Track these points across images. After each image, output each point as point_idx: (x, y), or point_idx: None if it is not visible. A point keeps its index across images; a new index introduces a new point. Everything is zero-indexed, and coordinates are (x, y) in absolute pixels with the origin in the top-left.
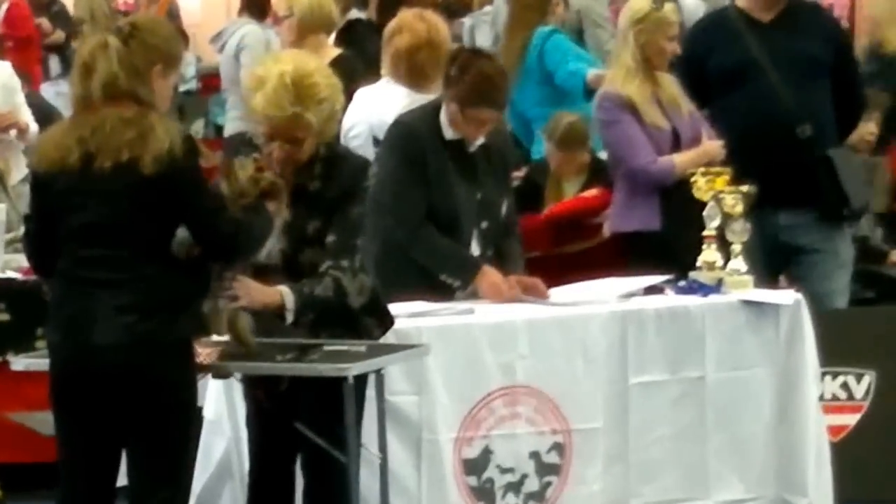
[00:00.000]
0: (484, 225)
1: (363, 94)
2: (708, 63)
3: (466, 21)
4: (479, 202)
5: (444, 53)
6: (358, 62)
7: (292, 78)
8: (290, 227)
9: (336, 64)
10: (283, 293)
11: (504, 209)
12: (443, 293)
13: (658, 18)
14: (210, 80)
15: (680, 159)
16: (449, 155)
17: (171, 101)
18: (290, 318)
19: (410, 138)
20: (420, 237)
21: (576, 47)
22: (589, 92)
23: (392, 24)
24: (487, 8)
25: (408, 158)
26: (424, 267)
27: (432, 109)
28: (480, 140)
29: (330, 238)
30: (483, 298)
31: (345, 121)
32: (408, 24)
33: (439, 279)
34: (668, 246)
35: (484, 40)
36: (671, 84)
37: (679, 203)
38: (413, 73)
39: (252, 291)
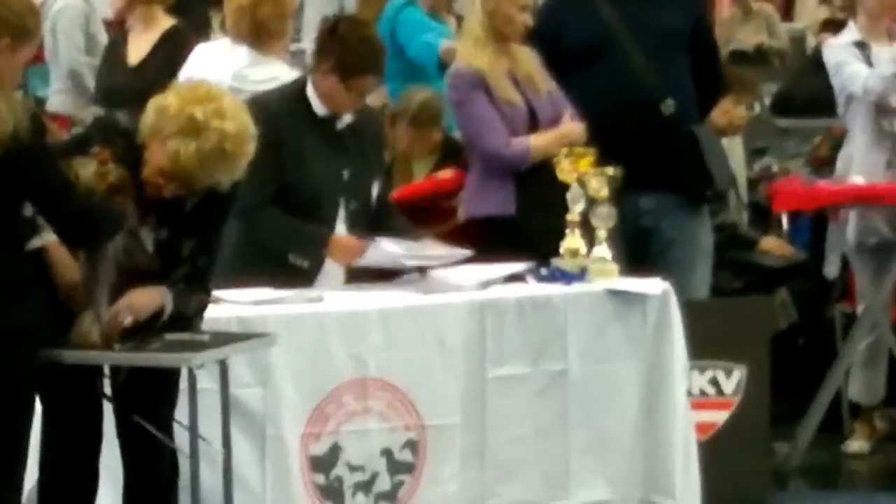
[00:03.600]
0: (352, 205)
1: (202, 51)
2: (562, 38)
3: None
4: (347, 181)
5: (289, 10)
6: (189, 32)
7: (232, 146)
8: (164, 246)
9: (168, 38)
10: (166, 298)
11: (375, 189)
12: (299, 280)
13: None
14: None
15: (536, 141)
16: (317, 133)
17: (18, 79)
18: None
19: (264, 118)
20: (263, 219)
21: (430, 19)
22: (443, 66)
23: None
24: None
25: (260, 139)
26: (274, 251)
27: (297, 87)
28: (349, 118)
29: (202, 261)
30: (339, 263)
31: (181, 78)
32: None
33: (290, 264)
34: (524, 232)
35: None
36: (528, 59)
37: (537, 186)
38: (255, 29)
39: (136, 302)
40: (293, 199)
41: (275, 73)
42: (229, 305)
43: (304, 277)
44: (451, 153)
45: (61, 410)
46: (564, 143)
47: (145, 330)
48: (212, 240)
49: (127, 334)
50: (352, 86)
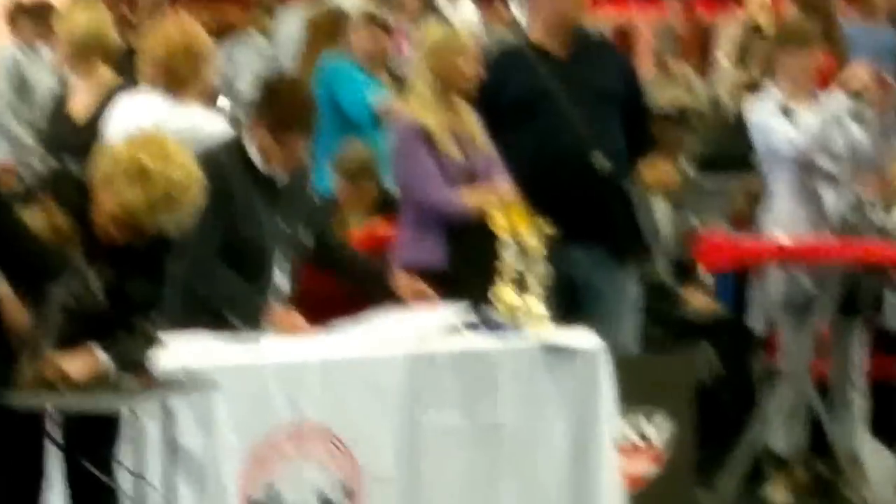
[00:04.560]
0: (292, 259)
1: (123, 101)
2: (502, 93)
3: (229, 46)
4: (286, 233)
5: (203, 58)
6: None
7: (178, 191)
8: (114, 288)
9: (114, 95)
10: (100, 359)
11: (309, 240)
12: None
13: (450, 41)
14: None
15: (472, 196)
16: (258, 188)
17: None
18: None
19: (211, 170)
20: (208, 273)
21: (362, 74)
22: (377, 121)
23: (149, 32)
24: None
25: (208, 190)
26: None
27: (235, 142)
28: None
29: (148, 298)
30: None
31: (107, 132)
32: (163, 30)
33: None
34: (455, 283)
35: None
36: (469, 116)
37: (469, 239)
38: (169, 78)
39: (67, 368)
40: (240, 254)
41: (193, 121)
42: (173, 352)
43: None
44: (386, 206)
45: (5, 451)
46: (497, 199)
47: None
48: (159, 281)
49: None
50: (284, 143)
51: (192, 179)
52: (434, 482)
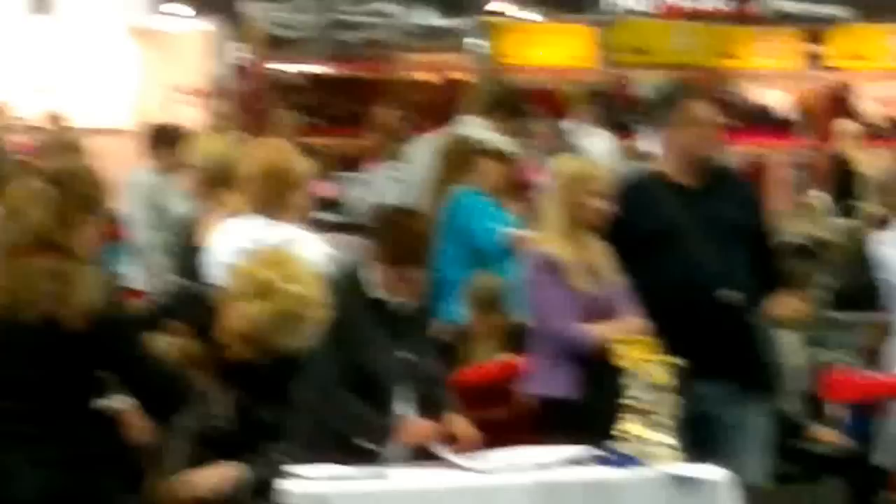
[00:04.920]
0: (410, 384)
1: (227, 223)
2: (634, 227)
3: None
4: (406, 361)
5: (295, 184)
6: None
7: (300, 308)
8: (244, 411)
9: None
10: (242, 473)
11: (432, 367)
12: (365, 459)
13: (583, 175)
14: (107, 227)
15: (602, 329)
16: (375, 314)
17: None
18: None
19: (334, 296)
20: (332, 401)
21: (494, 208)
22: (506, 252)
23: (245, 155)
24: (397, 164)
25: (332, 317)
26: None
27: (354, 270)
28: (401, 301)
29: (276, 421)
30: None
31: (207, 256)
32: (253, 154)
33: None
34: (588, 415)
35: (391, 195)
36: (599, 249)
37: (601, 371)
38: (265, 201)
39: (199, 480)
40: (358, 380)
41: (289, 234)
42: (300, 480)
43: (369, 457)
44: (514, 336)
45: None
46: (627, 332)
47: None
48: (286, 406)
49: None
50: (398, 274)
51: (315, 296)
52: None
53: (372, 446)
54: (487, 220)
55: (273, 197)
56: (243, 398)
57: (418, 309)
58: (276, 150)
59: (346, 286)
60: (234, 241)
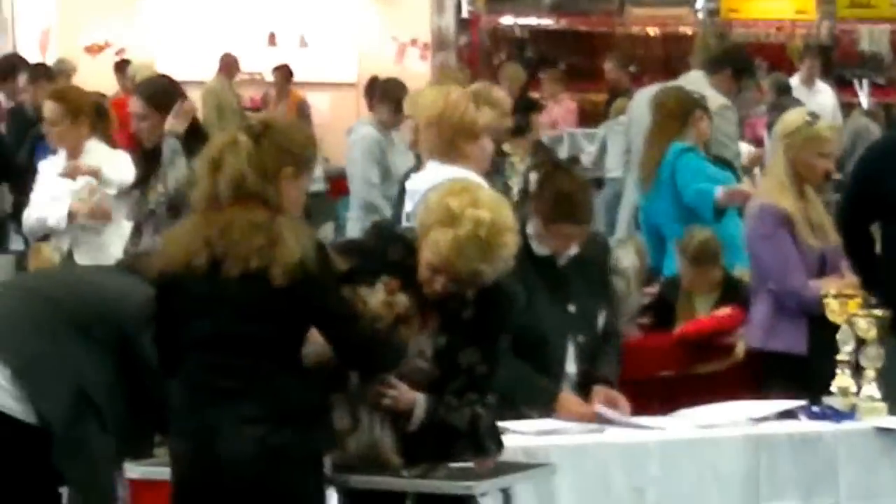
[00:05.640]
0: (580, 339)
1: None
2: (881, 184)
3: (600, 130)
4: (573, 316)
5: (472, 130)
6: None
7: (487, 233)
8: (443, 354)
9: None
10: (418, 401)
11: (602, 320)
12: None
13: (810, 133)
14: (338, 182)
15: (827, 287)
16: (537, 270)
17: (302, 206)
18: (412, 426)
19: None
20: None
21: (708, 166)
22: (718, 212)
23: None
24: (622, 118)
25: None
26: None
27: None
28: (572, 251)
29: (480, 370)
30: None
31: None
32: (433, 97)
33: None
34: (810, 370)
35: (616, 149)
36: (820, 206)
37: (822, 327)
38: (442, 147)
39: (397, 395)
40: (521, 339)
41: (464, 174)
42: (513, 435)
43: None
44: (730, 291)
45: None
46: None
47: (431, 455)
48: (490, 350)
49: (414, 461)
50: (553, 231)
51: (501, 223)
52: None
53: (534, 415)
54: (701, 180)
55: (445, 145)
56: (447, 340)
57: (588, 260)
58: (453, 99)
59: None
60: (425, 184)
